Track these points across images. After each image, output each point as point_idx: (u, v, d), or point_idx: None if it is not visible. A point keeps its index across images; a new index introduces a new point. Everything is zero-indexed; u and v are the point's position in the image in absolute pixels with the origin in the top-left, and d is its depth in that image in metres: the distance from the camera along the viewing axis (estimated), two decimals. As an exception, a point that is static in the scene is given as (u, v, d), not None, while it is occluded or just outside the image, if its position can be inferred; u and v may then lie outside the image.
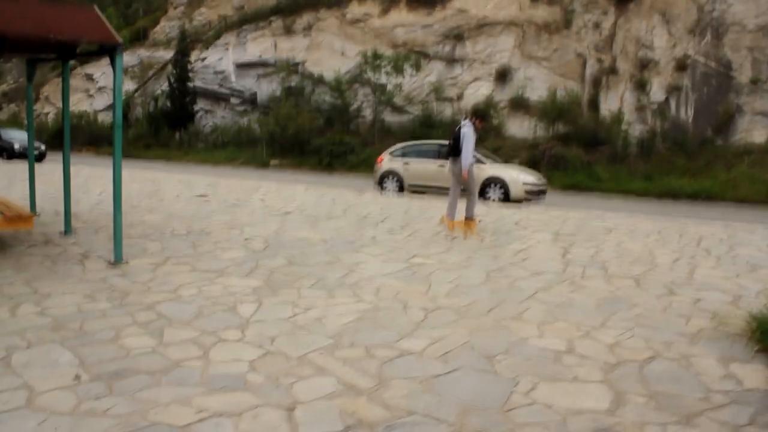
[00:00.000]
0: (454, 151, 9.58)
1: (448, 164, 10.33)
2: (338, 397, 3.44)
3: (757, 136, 26.67)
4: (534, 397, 3.57)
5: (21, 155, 25.59)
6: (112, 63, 5.95)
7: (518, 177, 14.93)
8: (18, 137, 27.21)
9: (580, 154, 25.76)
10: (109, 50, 6.03)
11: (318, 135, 30.89)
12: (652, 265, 7.34)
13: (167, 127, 37.50)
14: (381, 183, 16.83)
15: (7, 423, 3.00)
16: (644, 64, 28.76)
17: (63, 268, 6.07)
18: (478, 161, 14.67)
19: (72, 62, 39.24)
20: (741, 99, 27.23)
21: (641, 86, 28.41)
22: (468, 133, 9.35)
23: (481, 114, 10.44)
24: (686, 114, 27.89)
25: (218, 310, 4.88)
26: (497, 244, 8.24)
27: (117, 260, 6.23)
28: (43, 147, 27.46)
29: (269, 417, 3.17)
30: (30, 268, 6.01)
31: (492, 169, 15.14)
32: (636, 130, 27.50)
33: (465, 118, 9.97)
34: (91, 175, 15.14)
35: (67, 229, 7.72)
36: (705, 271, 7.12)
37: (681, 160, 25.57)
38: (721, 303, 5.75)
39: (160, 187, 13.73)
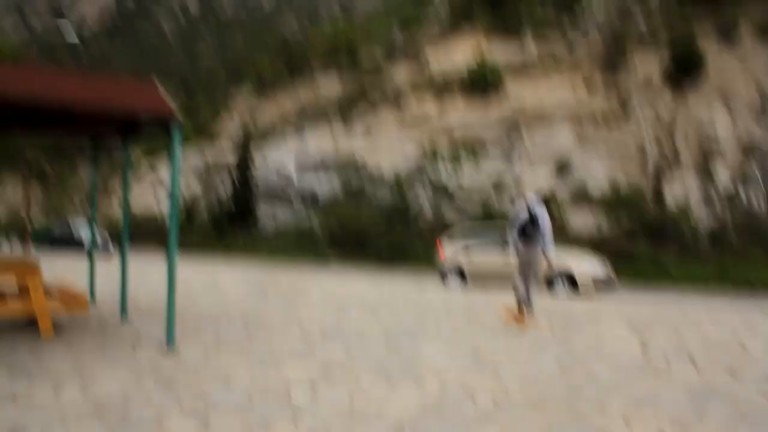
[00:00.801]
0: (526, 233, 8.93)
1: (515, 250, 9.37)
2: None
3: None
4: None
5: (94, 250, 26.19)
6: (169, 135, 5.91)
7: (587, 269, 14.30)
8: (88, 232, 27.98)
9: (647, 248, 24.89)
10: (166, 124, 5.98)
11: (378, 232, 30.91)
12: (744, 355, 6.67)
13: (230, 226, 38.26)
14: (444, 277, 16.40)
15: None
16: (708, 151, 28.08)
17: (112, 352, 5.86)
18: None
19: (139, 159, 40.64)
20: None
21: (707, 174, 27.65)
22: (545, 213, 8.82)
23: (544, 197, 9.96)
24: (757, 201, 26.84)
25: (270, 398, 4.53)
26: (569, 337, 7.68)
27: (169, 345, 5.99)
28: (111, 242, 27.98)
29: None
30: (82, 350, 5.82)
31: (559, 260, 14.52)
32: (705, 220, 26.56)
33: (524, 199, 9.46)
34: (156, 270, 15.26)
35: (123, 315, 7.59)
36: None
37: (756, 251, 24.41)
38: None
39: (219, 280, 13.67)
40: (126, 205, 8.05)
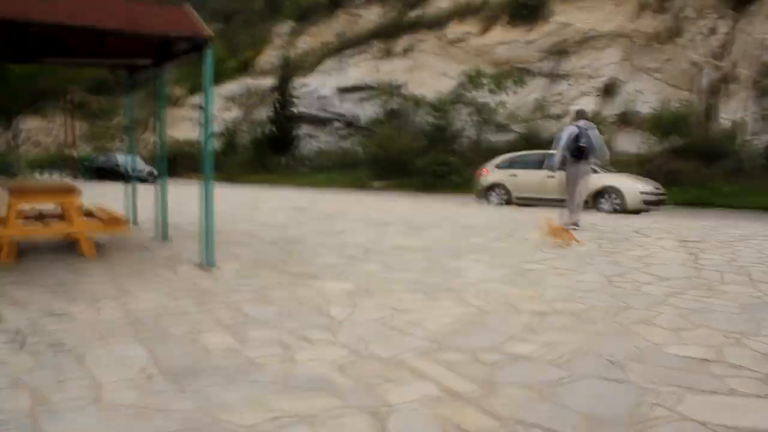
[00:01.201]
0: (576, 151, 9.42)
1: (565, 167, 9.73)
2: (438, 405, 2.89)
3: None
4: (680, 410, 2.88)
5: (137, 178, 26.62)
6: (203, 58, 5.73)
7: (634, 186, 13.91)
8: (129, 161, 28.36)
9: (697, 168, 24.03)
10: (199, 46, 5.82)
11: (420, 156, 30.51)
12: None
13: (271, 153, 38.27)
14: (486, 195, 16.19)
15: (68, 417, 2.66)
16: (766, 69, 26.65)
17: (151, 271, 5.85)
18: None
19: (179, 89, 40.63)
20: None
21: (765, 92, 26.33)
22: (595, 130, 9.62)
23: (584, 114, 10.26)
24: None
25: (306, 312, 4.44)
26: (616, 251, 7.43)
27: (208, 264, 5.94)
28: (154, 171, 28.44)
29: (355, 423, 2.66)
30: (121, 269, 5.83)
31: (606, 178, 14.15)
32: (762, 140, 25.44)
33: (575, 120, 9.56)
34: (196, 195, 15.33)
35: (164, 236, 7.59)
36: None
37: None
38: None
39: (259, 203, 13.69)
40: (162, 132, 7.97)
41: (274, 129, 38.32)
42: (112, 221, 6.65)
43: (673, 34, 29.17)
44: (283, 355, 3.51)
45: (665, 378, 3.27)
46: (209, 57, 5.74)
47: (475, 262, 6.49)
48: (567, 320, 4.31)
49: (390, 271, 5.96)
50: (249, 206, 12.63)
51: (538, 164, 14.78)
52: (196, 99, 45.89)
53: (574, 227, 9.19)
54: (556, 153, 9.74)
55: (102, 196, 10.55)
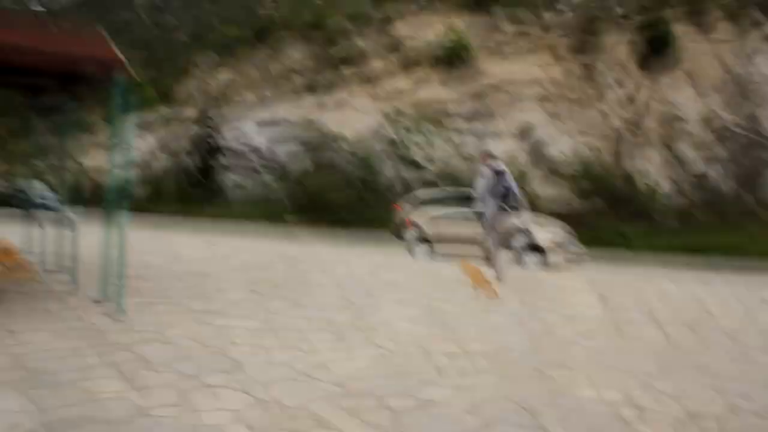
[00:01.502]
0: (496, 200, 8.89)
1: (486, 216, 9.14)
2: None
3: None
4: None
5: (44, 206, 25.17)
6: (114, 87, 5.30)
7: (554, 238, 14.00)
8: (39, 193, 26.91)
9: (613, 222, 24.82)
10: (111, 73, 5.36)
11: (338, 193, 30.37)
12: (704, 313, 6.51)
13: (188, 184, 37.27)
14: (401, 234, 15.91)
15: None
16: (676, 131, 28.09)
17: (45, 305, 5.35)
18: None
19: (101, 122, 39.15)
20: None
21: (677, 157, 27.67)
22: (512, 180, 9.26)
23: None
24: (726, 184, 26.94)
25: (206, 353, 4.12)
26: (536, 303, 7.42)
27: (107, 300, 5.45)
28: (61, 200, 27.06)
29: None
30: (10, 304, 5.31)
31: (526, 226, 14.21)
32: (671, 197, 26.61)
33: (488, 161, 9.28)
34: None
35: (71, 279, 6.96)
36: None
37: (720, 228, 24.49)
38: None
39: (180, 247, 13.12)
40: (65, 165, 7.44)
41: (193, 161, 37.38)
42: (16, 266, 6.14)
43: (590, 94, 30.39)
44: (179, 404, 3.19)
45: (578, 425, 3.17)
46: (121, 86, 5.34)
47: (387, 302, 6.32)
48: (477, 362, 4.18)
49: (299, 308, 5.69)
50: (170, 251, 12.05)
51: (456, 203, 14.71)
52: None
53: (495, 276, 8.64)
54: (483, 198, 9.10)
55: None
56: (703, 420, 3.33)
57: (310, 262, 9.17)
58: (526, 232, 13.57)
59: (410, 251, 15.12)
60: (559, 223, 15.74)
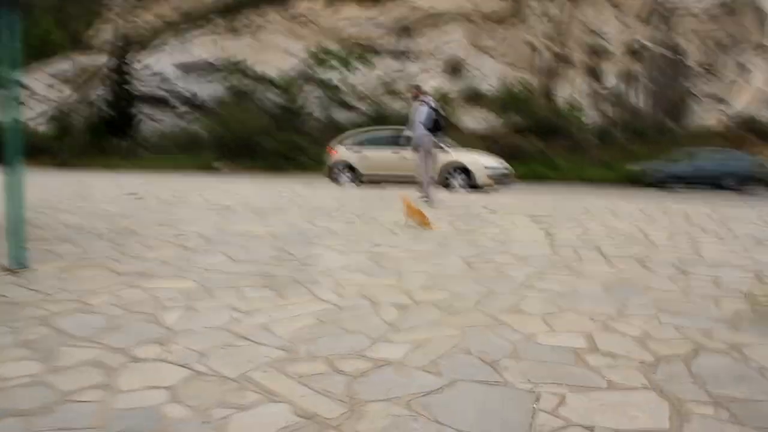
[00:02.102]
0: (426, 130, 9.98)
1: (418, 145, 10.33)
2: (293, 435, 2.38)
3: (710, 120, 26.54)
4: (566, 414, 2.57)
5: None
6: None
7: (481, 162, 14.05)
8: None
9: (537, 143, 25.11)
10: None
11: (265, 136, 29.57)
12: (649, 244, 6.46)
13: (109, 136, 35.57)
14: (334, 174, 15.76)
15: None
16: (597, 52, 28.31)
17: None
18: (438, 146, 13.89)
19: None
20: (692, 83, 27.05)
21: (595, 74, 27.97)
22: (437, 110, 10.16)
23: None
24: (641, 100, 27.55)
25: (135, 320, 3.73)
26: (470, 230, 7.24)
27: (16, 265, 4.98)
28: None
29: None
30: None
31: (454, 154, 14.20)
32: (591, 117, 27.02)
33: (419, 95, 10.54)
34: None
35: None
36: (709, 247, 6.27)
37: (638, 147, 25.19)
38: (744, 281, 4.88)
39: (89, 190, 12.38)
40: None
41: (110, 110, 35.57)
42: None
43: (512, 15, 30.16)
44: (104, 383, 2.83)
45: (541, 375, 2.97)
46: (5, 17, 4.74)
47: (326, 249, 6.01)
48: (432, 314, 3.94)
49: (233, 263, 5.32)
50: (80, 195, 11.34)
51: (387, 141, 14.62)
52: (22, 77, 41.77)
53: (426, 200, 9.99)
54: (418, 130, 10.05)
55: None
56: (668, 360, 3.19)
57: (242, 212, 8.74)
58: (453, 156, 13.76)
59: (338, 182, 15.07)
60: (486, 151, 15.79)
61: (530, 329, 3.63)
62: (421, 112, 9.93)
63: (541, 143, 25.10)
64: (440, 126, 10.02)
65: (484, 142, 25.92)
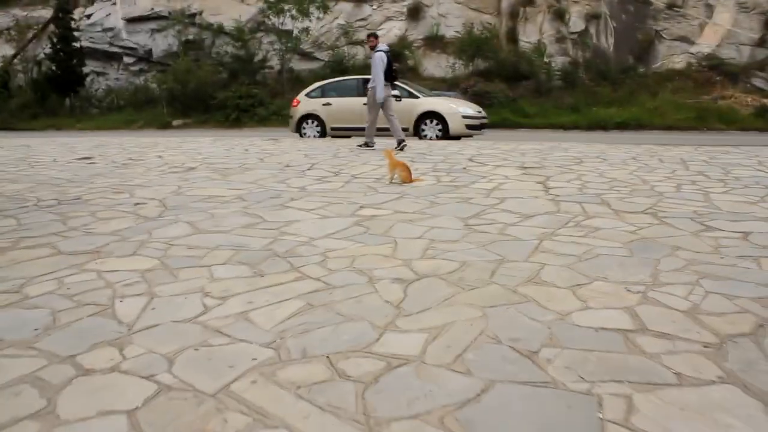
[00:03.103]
0: (386, 77, 10.26)
1: (380, 94, 10.36)
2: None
3: (678, 62, 26.17)
4: (642, 426, 2.01)
5: None
6: None
7: (456, 110, 13.39)
8: None
9: (503, 89, 24.47)
10: None
11: (222, 89, 28.35)
12: (656, 195, 5.94)
13: (55, 94, 33.77)
14: (300, 127, 14.96)
15: None
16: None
17: None
18: (411, 94, 13.21)
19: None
20: (659, 25, 26.56)
21: (559, 16, 27.27)
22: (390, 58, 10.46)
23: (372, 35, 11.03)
24: (607, 42, 27.02)
25: (83, 315, 3.06)
26: (460, 185, 6.63)
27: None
28: None
29: None
30: None
31: (427, 103, 13.52)
32: (558, 61, 26.43)
33: (375, 44, 10.53)
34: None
35: None
36: (721, 197, 5.78)
37: (606, 90, 24.78)
38: (775, 234, 4.38)
39: (35, 154, 11.41)
40: None
41: (54, 67, 33.66)
42: None
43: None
44: (44, 412, 2.17)
45: (594, 370, 2.40)
46: None
47: (305, 213, 5.34)
48: (441, 289, 3.34)
49: (199, 234, 4.63)
50: (23, 160, 10.40)
51: (355, 91, 13.86)
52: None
53: (369, 146, 10.59)
54: (377, 82, 10.10)
55: None
56: (735, 341, 2.65)
57: (205, 173, 7.97)
58: (427, 104, 13.23)
59: (305, 136, 14.40)
60: (466, 102, 15.17)
61: (561, 306, 3.06)
62: (379, 61, 10.03)
63: (507, 89, 24.45)
64: (395, 74, 10.45)
65: (450, 90, 25.19)
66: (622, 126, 21.62)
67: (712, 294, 3.21)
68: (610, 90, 24.51)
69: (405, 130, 13.24)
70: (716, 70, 25.17)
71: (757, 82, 24.77)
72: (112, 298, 3.25)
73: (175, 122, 28.22)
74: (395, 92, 13.20)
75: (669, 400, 2.19)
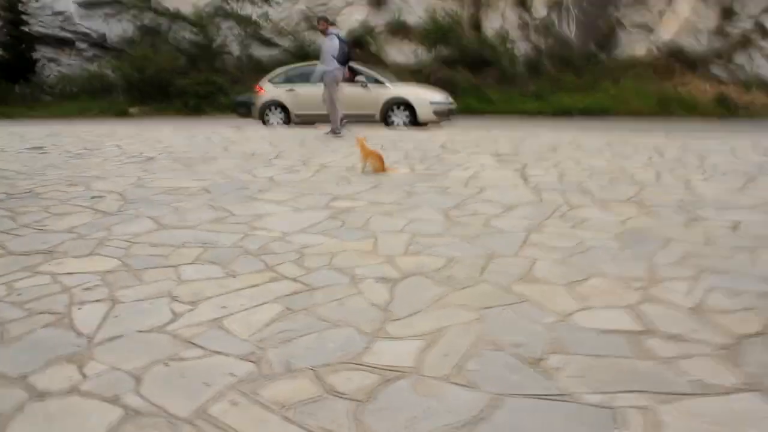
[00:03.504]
0: (340, 63, 10.27)
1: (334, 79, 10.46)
2: None
3: (639, 50, 26.34)
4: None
5: None
6: None
7: (425, 97, 13.17)
8: None
9: (467, 76, 24.32)
10: None
11: (181, 77, 27.64)
12: (637, 184, 5.79)
13: (4, 81, 32.52)
14: (263, 115, 14.57)
15: None
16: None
17: None
18: (377, 81, 12.95)
19: None
20: (621, 12, 26.67)
21: (522, 3, 27.18)
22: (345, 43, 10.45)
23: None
24: (569, 30, 27.03)
25: (36, 325, 2.74)
26: (436, 174, 6.40)
27: None
28: None
29: None
30: None
31: (395, 90, 13.26)
32: (521, 48, 26.39)
33: (329, 28, 10.49)
34: None
35: None
36: (703, 186, 5.66)
37: (569, 77, 24.81)
38: (764, 224, 4.25)
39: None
40: None
41: (5, 54, 32.39)
42: None
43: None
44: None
45: (607, 378, 2.20)
46: None
47: (275, 206, 5.05)
48: (430, 289, 3.10)
49: (163, 230, 4.31)
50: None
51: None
52: None
53: (336, 134, 10.45)
54: (330, 64, 10.09)
55: None
56: (749, 342, 2.48)
57: (167, 163, 7.60)
58: (395, 91, 13.01)
59: (269, 123, 14.03)
60: (433, 88, 14.96)
61: (561, 306, 2.86)
62: (331, 46, 10.01)
63: (471, 76, 24.31)
64: (349, 59, 10.55)
65: (414, 77, 24.97)
66: (587, 113, 21.68)
67: (716, 289, 3.04)
68: (574, 77, 24.54)
69: (370, 117, 13.05)
70: (676, 58, 25.37)
71: (715, 70, 25.06)
72: (69, 305, 2.94)
73: (132, 110, 27.44)
74: (361, 78, 13.06)
75: (692, 410, 1.99)
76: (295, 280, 3.24)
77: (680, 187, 5.57)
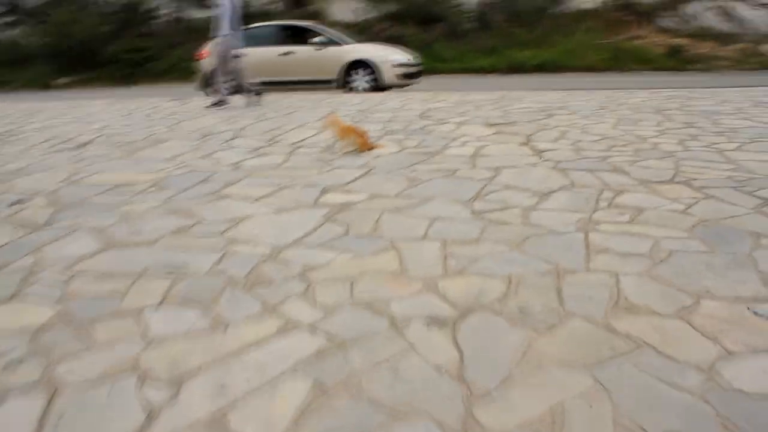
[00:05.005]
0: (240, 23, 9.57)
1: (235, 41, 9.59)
2: None
3: (588, 2, 25.86)
4: None
5: None
6: None
7: (388, 58, 12.17)
8: None
9: (417, 33, 23.32)
10: None
11: (110, 43, 25.73)
12: (666, 155, 5.03)
13: None
14: (209, 84, 13.29)
15: None
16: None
17: None
18: (333, 42, 11.91)
19: None
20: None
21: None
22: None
23: None
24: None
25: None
26: (431, 152, 5.48)
27: None
28: None
29: None
30: None
31: (355, 50, 12.22)
32: (471, 2, 25.51)
33: None
34: None
35: None
36: (740, 156, 4.94)
37: (521, 32, 24.12)
38: None
39: None
40: None
41: None
42: None
43: None
44: None
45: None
46: None
47: (251, 204, 4.05)
48: (503, 332, 2.23)
49: (112, 250, 3.28)
50: None
51: (275, 39, 12.40)
52: None
53: (221, 105, 9.74)
54: (223, 30, 9.32)
55: None
56: None
57: (106, 149, 6.43)
58: (355, 52, 12.01)
59: (207, 91, 12.85)
60: (397, 48, 13.92)
61: (693, 351, 2.04)
62: (224, 10, 9.26)
63: (421, 32, 23.34)
64: (239, 24, 9.68)
65: (361, 35, 23.82)
66: (541, 68, 21.10)
67: None
68: (525, 31, 23.86)
69: (327, 82, 12.05)
70: (627, 11, 24.92)
71: (666, 23, 24.72)
72: (20, 342, 1.96)
73: (57, 82, 25.47)
74: (315, 39, 12.03)
75: None
76: (312, 329, 2.32)
77: (718, 158, 4.82)
